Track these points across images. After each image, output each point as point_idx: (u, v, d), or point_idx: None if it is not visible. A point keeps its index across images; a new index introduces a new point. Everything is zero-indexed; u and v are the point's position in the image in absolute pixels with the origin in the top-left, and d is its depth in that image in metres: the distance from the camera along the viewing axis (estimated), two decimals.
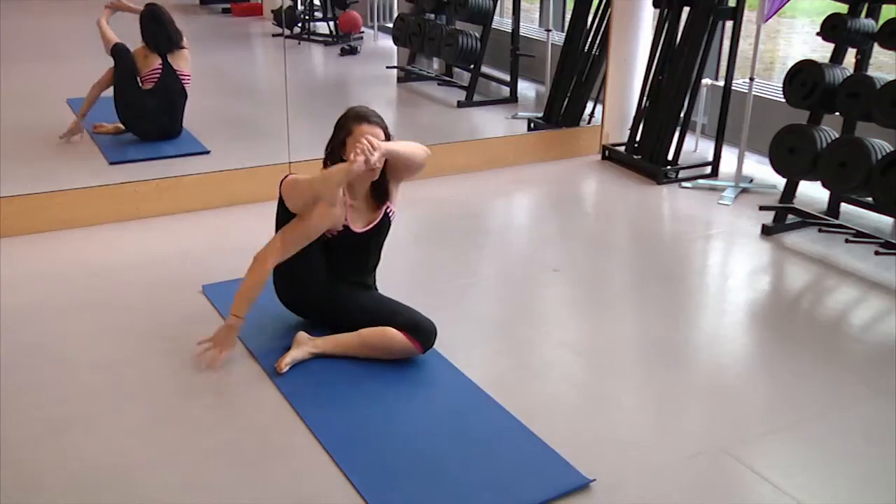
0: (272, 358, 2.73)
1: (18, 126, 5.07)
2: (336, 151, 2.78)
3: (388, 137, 2.78)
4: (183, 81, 4.93)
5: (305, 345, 2.76)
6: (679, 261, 3.74)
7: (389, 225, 2.95)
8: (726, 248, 3.95)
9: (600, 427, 2.48)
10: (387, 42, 7.40)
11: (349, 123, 2.75)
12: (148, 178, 4.12)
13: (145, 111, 4.84)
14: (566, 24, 5.98)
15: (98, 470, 2.25)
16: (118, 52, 4.79)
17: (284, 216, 2.77)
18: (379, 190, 2.88)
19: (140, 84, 4.87)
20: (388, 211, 2.91)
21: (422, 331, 2.74)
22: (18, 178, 4.11)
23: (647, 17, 5.10)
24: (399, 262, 3.16)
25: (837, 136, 3.86)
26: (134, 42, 4.86)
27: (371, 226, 2.88)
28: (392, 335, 2.72)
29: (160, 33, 4.85)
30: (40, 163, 4.56)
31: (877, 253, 3.64)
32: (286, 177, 2.75)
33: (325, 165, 2.83)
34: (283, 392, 2.59)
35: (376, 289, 3.01)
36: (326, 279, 2.85)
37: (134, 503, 2.14)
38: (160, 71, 4.86)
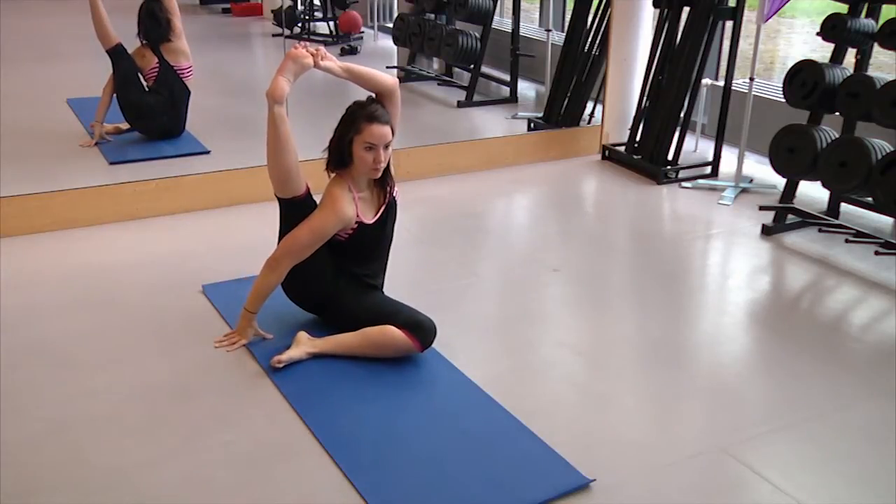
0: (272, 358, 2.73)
1: (18, 126, 5.08)
2: (344, 150, 2.74)
3: (393, 135, 2.77)
4: (182, 76, 4.92)
5: (304, 345, 2.76)
6: (679, 261, 3.74)
7: (396, 206, 2.94)
8: (726, 248, 3.95)
9: (600, 427, 2.48)
10: (387, 42, 7.40)
11: (359, 122, 2.69)
12: (148, 178, 4.12)
13: (146, 109, 4.84)
14: (566, 24, 5.98)
15: (98, 470, 2.25)
16: (115, 53, 4.78)
17: (290, 221, 2.78)
18: (383, 184, 2.86)
19: (143, 82, 4.87)
20: (392, 193, 2.90)
21: (422, 329, 2.74)
22: (18, 178, 4.11)
23: (647, 17, 5.10)
24: (399, 262, 3.16)
25: (837, 136, 3.86)
26: (128, 48, 4.85)
27: (380, 212, 2.87)
28: (392, 333, 2.72)
29: (151, 24, 4.85)
30: (40, 163, 4.56)
31: (877, 253, 3.64)
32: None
33: (329, 163, 2.82)
34: (283, 392, 2.59)
35: (382, 290, 3.01)
36: (331, 278, 2.85)
37: (134, 503, 2.14)
38: (157, 69, 4.86)
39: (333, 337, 2.79)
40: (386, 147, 2.72)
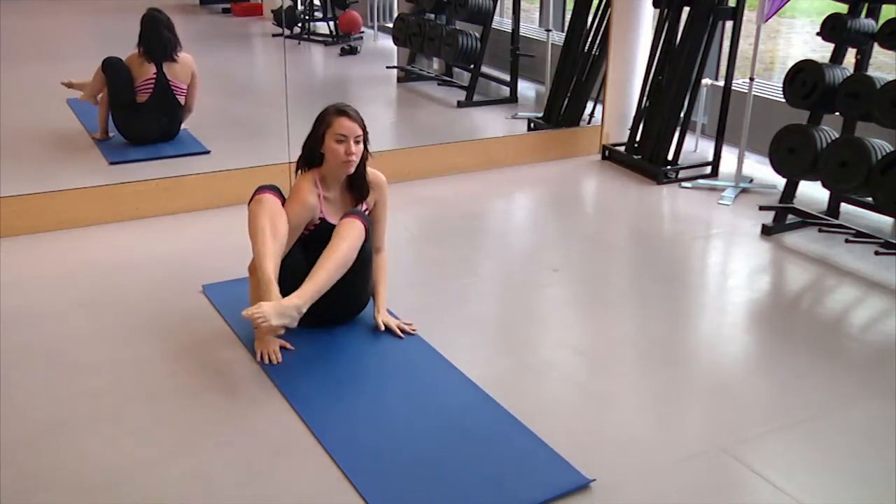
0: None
1: (18, 126, 5.08)
2: (315, 146, 2.84)
3: (365, 134, 2.85)
4: (176, 93, 4.87)
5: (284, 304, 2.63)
6: (679, 261, 3.74)
7: (368, 221, 2.95)
8: (726, 248, 3.95)
9: (600, 427, 2.48)
10: (387, 42, 7.40)
11: (329, 117, 2.82)
12: (148, 178, 4.12)
13: (140, 121, 4.81)
14: (566, 24, 5.98)
15: (98, 470, 2.25)
16: (108, 66, 4.75)
17: None
18: (356, 186, 2.93)
19: (135, 93, 4.80)
20: (364, 210, 2.96)
21: (354, 211, 2.80)
22: (18, 178, 4.11)
23: (647, 17, 5.10)
24: (399, 262, 3.16)
25: (837, 136, 3.86)
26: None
27: None
28: (337, 230, 2.75)
29: (155, 41, 4.79)
30: (40, 163, 4.56)
31: (877, 253, 3.64)
32: (258, 192, 2.81)
33: (300, 161, 2.90)
34: (283, 392, 2.59)
35: None
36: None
37: (134, 503, 2.14)
38: (154, 81, 4.79)
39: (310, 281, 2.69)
40: (357, 142, 2.81)
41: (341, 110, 2.82)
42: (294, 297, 2.62)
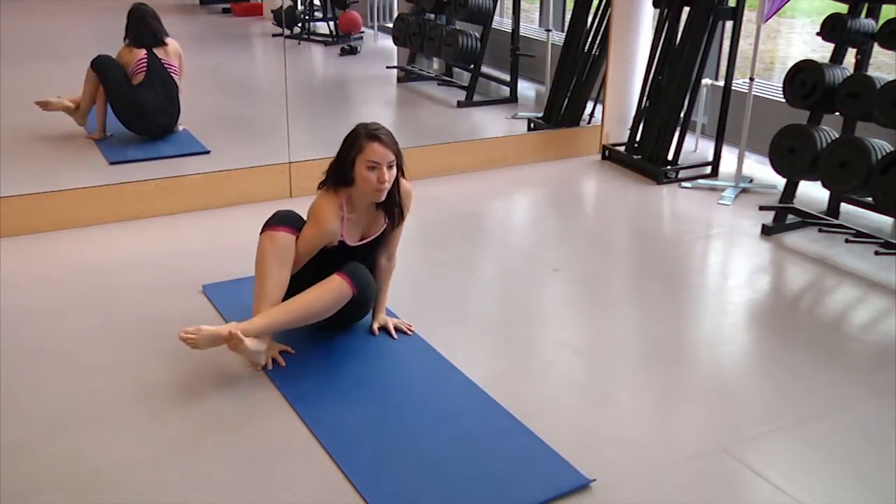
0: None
1: (18, 126, 5.07)
2: (346, 170, 2.69)
3: (399, 158, 2.72)
4: (170, 70, 4.92)
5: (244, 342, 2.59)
6: (679, 261, 3.74)
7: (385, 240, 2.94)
8: (726, 248, 3.95)
9: (600, 427, 2.48)
10: (387, 42, 7.40)
11: (361, 140, 2.66)
12: (148, 178, 4.12)
13: (143, 107, 4.82)
14: (566, 24, 5.98)
15: (98, 470, 2.25)
16: (98, 64, 4.79)
17: None
18: (387, 209, 2.83)
19: (130, 81, 4.85)
20: (385, 228, 2.89)
21: (355, 272, 2.69)
22: (18, 178, 4.11)
23: (647, 17, 5.10)
24: (399, 263, 3.15)
25: (837, 136, 3.86)
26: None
27: (366, 241, 2.86)
28: (326, 281, 2.67)
29: (142, 30, 4.88)
30: (40, 163, 4.56)
31: (877, 253, 3.64)
32: (273, 227, 2.71)
33: (325, 182, 2.77)
34: (283, 392, 2.59)
35: None
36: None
37: (134, 503, 2.14)
38: (146, 61, 4.85)
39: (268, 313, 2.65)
40: (390, 167, 2.68)
41: (373, 134, 2.64)
42: (240, 325, 2.56)
